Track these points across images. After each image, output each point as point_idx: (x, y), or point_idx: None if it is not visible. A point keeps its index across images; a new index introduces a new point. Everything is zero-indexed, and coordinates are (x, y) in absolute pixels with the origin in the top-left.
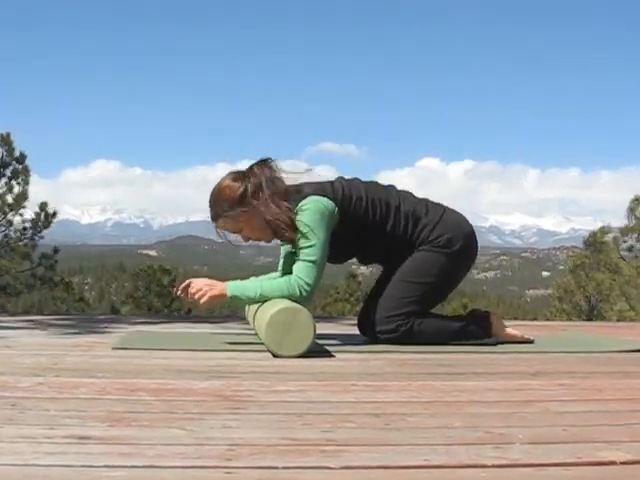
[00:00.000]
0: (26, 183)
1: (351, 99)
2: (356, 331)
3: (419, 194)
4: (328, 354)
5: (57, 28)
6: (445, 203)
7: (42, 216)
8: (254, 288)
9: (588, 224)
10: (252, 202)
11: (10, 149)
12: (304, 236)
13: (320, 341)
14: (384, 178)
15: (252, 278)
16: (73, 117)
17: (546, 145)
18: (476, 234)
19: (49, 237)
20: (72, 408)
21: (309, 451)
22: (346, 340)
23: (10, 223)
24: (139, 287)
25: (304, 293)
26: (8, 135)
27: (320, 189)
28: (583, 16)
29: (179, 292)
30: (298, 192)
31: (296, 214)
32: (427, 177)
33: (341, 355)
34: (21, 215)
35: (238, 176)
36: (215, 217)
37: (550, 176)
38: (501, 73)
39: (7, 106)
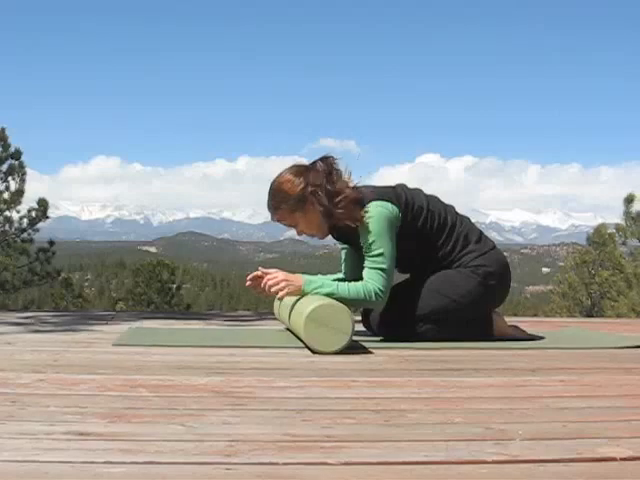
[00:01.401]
0: (22, 180)
1: (351, 95)
2: (358, 327)
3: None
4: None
5: (58, 25)
6: (445, 199)
7: (39, 211)
8: (330, 287)
9: (588, 220)
10: (311, 199)
11: (6, 145)
12: (373, 243)
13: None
14: (384, 174)
15: (319, 276)
16: (73, 114)
17: (546, 141)
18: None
19: (49, 234)
20: (72, 404)
21: (309, 447)
22: None
23: (7, 219)
24: (139, 283)
25: (379, 300)
26: (3, 130)
27: (384, 193)
28: (583, 13)
29: (249, 283)
30: (360, 194)
31: (362, 218)
32: (427, 173)
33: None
34: (18, 212)
35: (299, 171)
36: (273, 210)
37: (550, 172)
38: (501, 69)
39: (6, 103)
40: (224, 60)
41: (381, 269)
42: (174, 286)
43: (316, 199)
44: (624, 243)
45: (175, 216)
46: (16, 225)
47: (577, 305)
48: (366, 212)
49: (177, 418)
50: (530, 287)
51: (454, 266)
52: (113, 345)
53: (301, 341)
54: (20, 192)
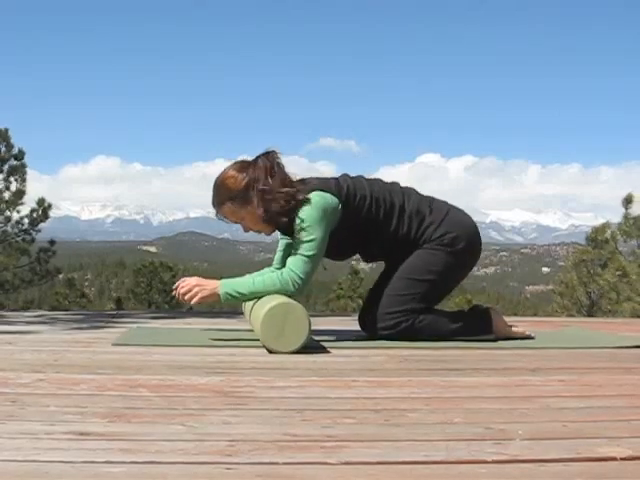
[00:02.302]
0: (23, 180)
1: (351, 95)
2: (358, 327)
3: (420, 190)
4: (327, 350)
5: (58, 25)
6: (446, 199)
7: (40, 211)
8: (246, 285)
9: (588, 220)
10: (254, 194)
11: (8, 145)
12: (304, 230)
13: (322, 337)
14: (384, 174)
15: (247, 275)
16: (73, 114)
17: (546, 141)
18: (480, 233)
19: (49, 233)
20: (72, 404)
21: (309, 447)
22: (347, 336)
23: (8, 219)
24: (140, 283)
25: (296, 286)
26: (6, 131)
27: (325, 184)
28: (583, 13)
29: (174, 292)
30: (299, 187)
31: (299, 207)
32: (427, 173)
33: (342, 351)
34: (18, 212)
35: (242, 166)
36: (217, 206)
37: (550, 172)
38: (501, 68)
39: (6, 103)
40: (224, 60)
41: (305, 255)
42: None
43: (258, 194)
44: (625, 241)
45: (175, 216)
46: (17, 225)
47: (576, 305)
48: (305, 201)
49: (177, 418)
50: (530, 287)
51: (420, 244)
52: (113, 345)
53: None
54: (21, 192)
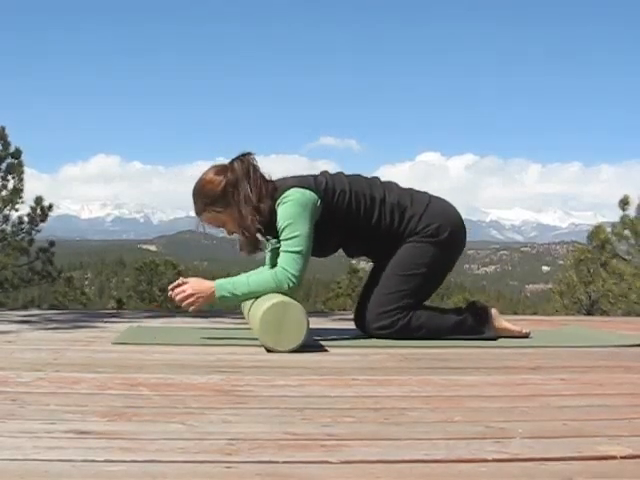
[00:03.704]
0: (20, 179)
1: (352, 94)
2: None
3: (420, 188)
4: (327, 349)
5: (57, 24)
6: (446, 198)
7: (38, 210)
8: (242, 285)
9: (588, 219)
10: (233, 198)
11: (5, 144)
12: (287, 227)
13: (321, 336)
14: (385, 172)
15: (241, 275)
16: (72, 112)
17: (547, 139)
18: (464, 222)
19: (48, 232)
20: (72, 403)
21: (309, 446)
22: (347, 335)
23: (6, 218)
24: (142, 281)
25: (291, 284)
26: (3, 129)
27: (303, 181)
28: (584, 12)
29: (170, 293)
30: (280, 186)
31: (278, 205)
32: (428, 171)
33: (342, 350)
34: (17, 210)
35: (219, 170)
36: (198, 212)
37: (551, 171)
38: (502, 67)
39: (6, 102)
40: (224, 59)
41: (295, 252)
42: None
43: (236, 197)
44: (624, 238)
45: (175, 214)
46: (16, 224)
47: (576, 304)
48: (283, 198)
49: (177, 417)
50: (530, 285)
51: (404, 237)
52: (113, 344)
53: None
54: (18, 191)
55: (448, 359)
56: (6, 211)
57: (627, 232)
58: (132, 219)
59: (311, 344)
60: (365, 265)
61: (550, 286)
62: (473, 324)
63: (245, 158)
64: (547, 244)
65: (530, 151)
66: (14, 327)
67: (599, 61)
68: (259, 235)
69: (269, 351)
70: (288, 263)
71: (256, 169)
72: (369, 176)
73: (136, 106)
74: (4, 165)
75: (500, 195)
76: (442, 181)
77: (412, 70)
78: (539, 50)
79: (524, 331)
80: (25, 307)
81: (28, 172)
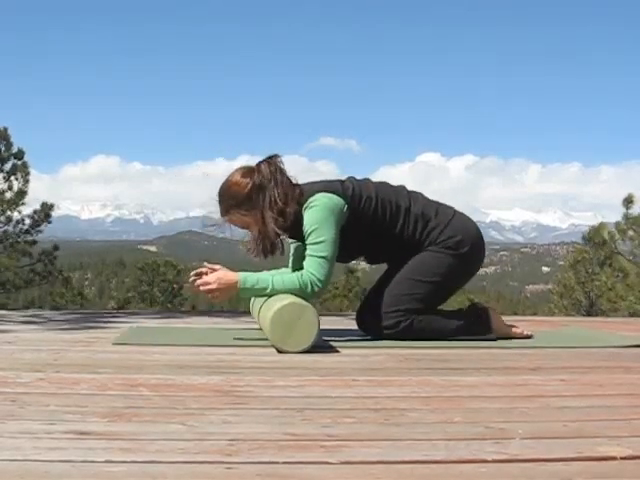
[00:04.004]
0: (25, 180)
1: (351, 94)
2: (356, 326)
3: (420, 189)
4: (327, 349)
5: (58, 24)
6: (446, 198)
7: (42, 214)
8: (266, 281)
9: (588, 219)
10: (258, 201)
11: (8, 144)
12: (314, 232)
13: (322, 336)
14: (384, 173)
15: (264, 272)
16: (72, 113)
17: (547, 140)
18: (483, 238)
19: (49, 233)
20: (72, 403)
21: (309, 446)
22: (346, 335)
23: (9, 219)
24: (143, 281)
25: (315, 289)
26: (5, 130)
27: (330, 186)
28: (583, 12)
29: (192, 279)
30: (306, 190)
31: (305, 209)
32: (428, 172)
33: (342, 350)
34: (20, 212)
35: (246, 172)
36: (224, 212)
37: (551, 171)
38: (502, 67)
39: (6, 102)
40: (224, 59)
41: (321, 257)
42: (177, 286)
43: (263, 199)
44: (623, 239)
45: (175, 215)
46: (19, 226)
47: (575, 304)
48: (310, 202)
49: (177, 417)
50: (530, 286)
51: (425, 246)
52: (113, 344)
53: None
54: (23, 192)
55: (448, 360)
56: (9, 212)
57: (631, 232)
58: (132, 220)
59: (316, 344)
60: (365, 266)
61: (550, 287)
62: (474, 326)
63: (272, 160)
64: (547, 245)
65: (530, 151)
66: (14, 327)
67: (599, 61)
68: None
69: (279, 352)
70: (314, 267)
71: (283, 172)
72: (379, 181)
73: (136, 106)
74: (8, 166)
75: (500, 195)
76: (442, 182)
77: (412, 70)
78: (539, 50)
79: (525, 333)
80: (26, 308)
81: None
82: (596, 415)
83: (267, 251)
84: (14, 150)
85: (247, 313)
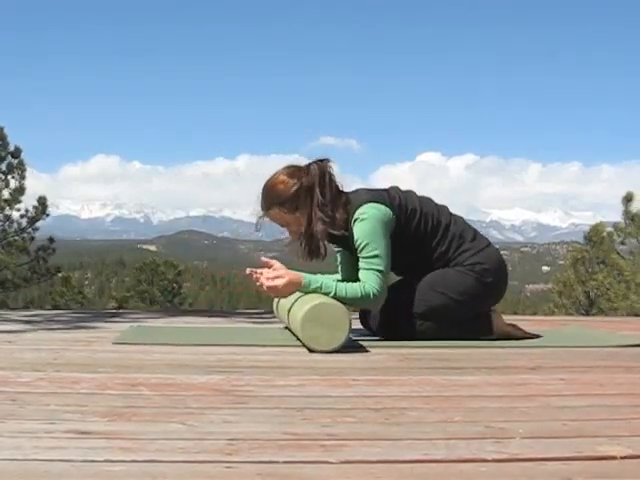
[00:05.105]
0: (22, 178)
1: (351, 93)
2: (357, 326)
3: (420, 189)
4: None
5: (57, 24)
6: (446, 198)
7: (39, 210)
8: (329, 287)
9: (588, 219)
10: (305, 202)
11: (4, 143)
12: (368, 245)
13: None
14: (385, 172)
15: (326, 277)
16: (72, 112)
17: (547, 139)
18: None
19: (49, 232)
20: (72, 403)
21: (309, 446)
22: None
23: (7, 218)
24: (142, 280)
25: (375, 300)
26: (1, 129)
27: (377, 196)
28: (583, 12)
29: (249, 271)
30: (353, 198)
31: (356, 221)
32: (428, 172)
33: (342, 350)
34: (18, 210)
35: (294, 172)
36: (265, 209)
37: (551, 170)
38: (502, 67)
39: (5, 102)
40: (224, 58)
41: (377, 270)
42: (176, 285)
43: (311, 200)
44: (623, 242)
45: (175, 214)
46: (16, 224)
47: (574, 304)
48: (361, 214)
49: (177, 416)
50: (530, 285)
51: (451, 265)
52: (113, 344)
53: (299, 340)
54: (20, 190)
55: (448, 359)
56: (7, 211)
57: (630, 229)
58: (132, 219)
59: (346, 344)
60: None
61: (550, 286)
62: (476, 327)
63: (322, 164)
64: (547, 244)
65: (530, 151)
66: (14, 327)
67: (599, 61)
68: (322, 243)
69: (310, 351)
70: (373, 280)
71: (332, 177)
72: (372, 178)
73: (136, 106)
74: (4, 165)
75: (500, 195)
76: (442, 181)
77: (412, 70)
78: (539, 50)
79: (526, 332)
80: (26, 307)
81: (28, 171)
82: (596, 414)
83: (313, 253)
84: (11, 149)
85: (246, 313)
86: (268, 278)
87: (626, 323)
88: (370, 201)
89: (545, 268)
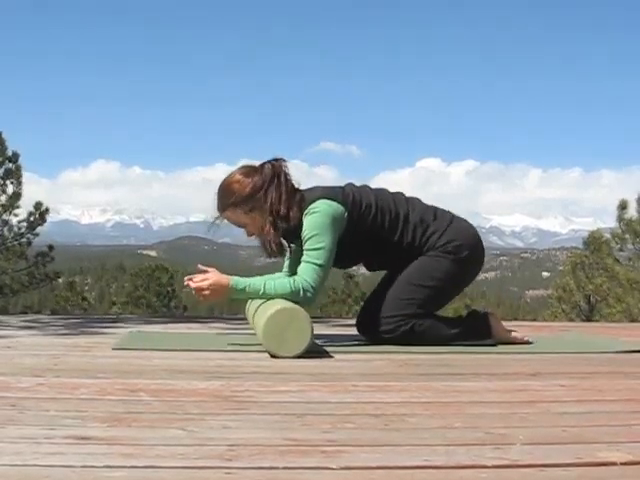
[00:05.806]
0: (19, 183)
1: (352, 99)
2: (355, 331)
3: (420, 195)
4: (327, 354)
5: (57, 27)
6: (446, 204)
7: (37, 215)
8: (258, 286)
9: (589, 225)
10: (259, 202)
11: (2, 148)
12: (312, 238)
13: (319, 342)
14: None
15: (257, 277)
16: (72, 118)
17: (548, 145)
18: (482, 242)
19: (49, 238)
20: (72, 408)
21: (309, 451)
22: (346, 341)
23: (5, 223)
24: (138, 286)
25: (308, 294)
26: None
27: (330, 193)
28: (584, 16)
29: (186, 282)
30: (307, 196)
31: (306, 215)
32: (428, 178)
33: (341, 356)
34: (16, 215)
35: (249, 172)
36: (221, 209)
37: (551, 176)
38: (503, 72)
39: (6, 107)
40: (224, 63)
41: (316, 264)
42: (170, 289)
43: (264, 200)
44: (621, 249)
45: (175, 220)
46: (15, 229)
47: (574, 309)
48: (312, 208)
49: (177, 422)
50: (530, 291)
51: (424, 252)
52: (113, 349)
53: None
54: (17, 195)
55: (448, 365)
56: (5, 216)
57: (627, 236)
58: (132, 224)
59: (311, 349)
60: (364, 272)
61: (550, 292)
62: (474, 331)
63: (277, 163)
64: (547, 250)
65: (531, 156)
66: (14, 332)
67: (600, 66)
68: (282, 240)
69: (272, 356)
70: (308, 274)
71: (287, 176)
72: (371, 184)
73: (136, 111)
74: (1, 170)
75: (500, 201)
76: (442, 187)
77: (413, 75)
78: (540, 55)
79: (525, 339)
80: (25, 312)
81: (28, 177)
82: (596, 420)
83: (274, 252)
84: (9, 154)
85: (246, 319)
86: (196, 281)
87: (626, 329)
88: (323, 197)
89: (545, 274)
